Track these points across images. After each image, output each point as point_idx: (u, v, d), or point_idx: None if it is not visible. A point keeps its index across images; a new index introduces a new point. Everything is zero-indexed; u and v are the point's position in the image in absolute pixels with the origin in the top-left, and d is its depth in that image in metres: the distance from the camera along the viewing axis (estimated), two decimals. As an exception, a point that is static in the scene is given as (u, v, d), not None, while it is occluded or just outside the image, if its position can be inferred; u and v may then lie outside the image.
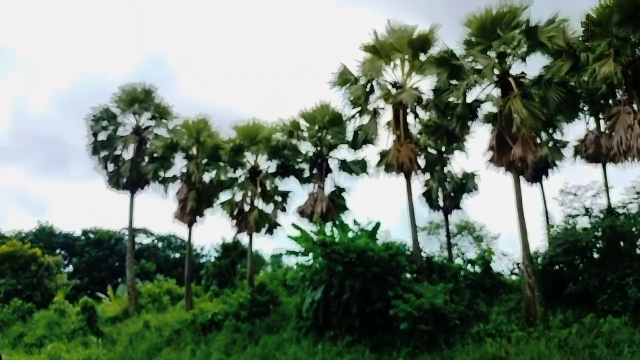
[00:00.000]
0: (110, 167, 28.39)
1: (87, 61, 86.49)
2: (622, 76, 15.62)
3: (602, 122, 21.58)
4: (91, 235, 50.95)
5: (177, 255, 54.53)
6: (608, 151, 16.58)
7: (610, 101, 18.26)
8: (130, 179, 27.98)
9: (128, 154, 28.51)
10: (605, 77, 15.46)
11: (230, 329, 21.90)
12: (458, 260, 23.33)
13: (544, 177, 25.60)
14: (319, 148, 25.52)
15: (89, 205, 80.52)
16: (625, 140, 15.49)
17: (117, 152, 28.49)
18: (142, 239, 53.63)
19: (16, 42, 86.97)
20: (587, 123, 23.33)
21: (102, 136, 28.52)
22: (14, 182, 79.29)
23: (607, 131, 17.08)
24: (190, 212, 26.03)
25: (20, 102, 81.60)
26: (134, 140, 28.41)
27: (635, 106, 16.10)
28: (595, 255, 17.53)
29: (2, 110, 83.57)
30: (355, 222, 20.40)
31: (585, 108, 20.66)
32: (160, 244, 55.51)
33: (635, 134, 15.33)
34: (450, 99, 19.41)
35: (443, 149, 25.15)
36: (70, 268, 49.51)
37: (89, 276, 46.03)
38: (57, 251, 48.32)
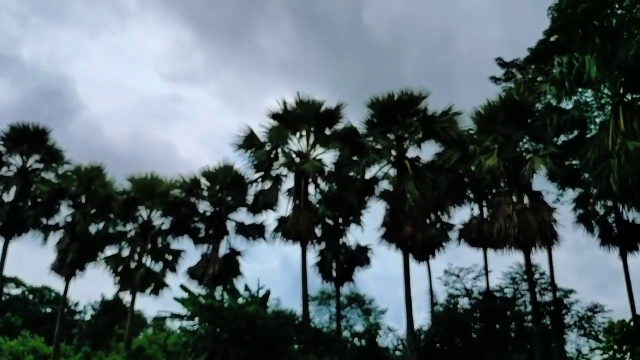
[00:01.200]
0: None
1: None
2: (504, 170, 17.17)
3: (485, 209, 23.28)
4: (-50, 282, 45.64)
5: (49, 310, 49.98)
6: (489, 237, 17.84)
7: (494, 190, 19.90)
8: (7, 223, 25.73)
9: (9, 196, 26.36)
10: (489, 169, 16.90)
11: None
12: (346, 333, 23.46)
13: (430, 256, 26.82)
14: (217, 208, 25.14)
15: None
16: (505, 229, 16.80)
17: (-2, 194, 26.26)
18: (11, 290, 48.77)
19: None
20: (472, 209, 25.04)
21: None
22: None
23: (489, 218, 18.46)
24: (69, 265, 24.16)
25: None
26: (18, 182, 26.39)
27: (514, 198, 17.64)
28: (474, 335, 18.42)
29: None
30: (246, 288, 19.99)
31: (471, 195, 22.28)
32: (31, 297, 50.72)
33: (513, 223, 16.69)
34: (351, 174, 20.18)
35: (340, 220, 25.75)
36: None
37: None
38: None
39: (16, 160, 27.15)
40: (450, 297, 19.48)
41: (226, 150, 71.15)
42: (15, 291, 49.50)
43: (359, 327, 26.63)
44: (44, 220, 25.68)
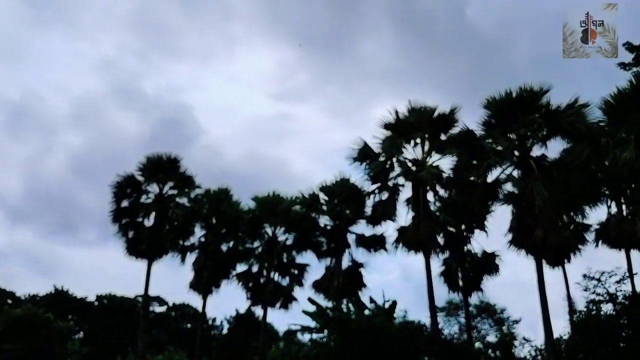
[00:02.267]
0: (131, 233, 28.57)
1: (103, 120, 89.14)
2: (644, 162, 15.65)
3: (624, 206, 21.34)
4: (105, 301, 50.64)
5: (189, 325, 53.66)
6: (631, 236, 16.33)
7: (633, 185, 18.20)
8: (149, 246, 28.06)
9: (149, 221, 28.77)
10: (626, 162, 15.50)
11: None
12: (478, 344, 22.56)
13: (565, 260, 25.04)
14: (337, 222, 25.53)
15: (101, 270, 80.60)
16: (650, 226, 15.29)
17: (139, 219, 28.76)
18: (156, 308, 53.09)
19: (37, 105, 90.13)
20: (609, 207, 23.09)
21: (124, 203, 28.90)
22: (24, 243, 79.96)
23: (629, 216, 16.91)
24: (206, 282, 25.87)
25: (33, 161, 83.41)
26: (156, 209, 28.74)
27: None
28: (621, 344, 16.87)
29: (16, 171, 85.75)
30: (371, 300, 20.03)
31: (607, 192, 20.55)
32: (173, 314, 54.81)
33: (660, 220, 15.15)
34: (471, 178, 19.52)
35: (463, 227, 24.96)
36: (82, 334, 48.88)
37: (100, 343, 45.32)
38: (70, 316, 47.93)
39: (153, 188, 29.58)
40: (592, 303, 18.02)
41: (338, 164, 72.37)
42: (160, 309, 53.82)
43: (492, 338, 25.48)
44: (180, 242, 27.72)
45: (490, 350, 20.23)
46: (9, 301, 50.11)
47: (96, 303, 50.91)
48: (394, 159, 22.76)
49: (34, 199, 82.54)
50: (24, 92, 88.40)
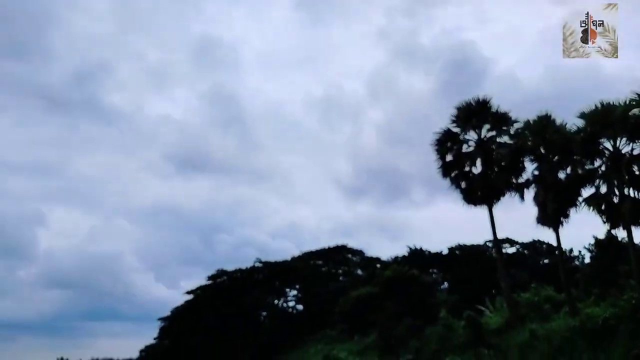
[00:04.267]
0: (463, 184, 29.43)
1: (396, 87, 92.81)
2: None
3: None
4: (457, 252, 53.32)
5: (546, 261, 52.35)
6: None
7: None
8: (484, 192, 28.44)
9: (477, 168, 29.15)
10: None
11: (627, 334, 19.66)
12: None
13: None
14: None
15: (439, 225, 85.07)
16: None
17: (466, 169, 29.41)
18: (507, 249, 53.43)
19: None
20: None
21: (449, 157, 29.90)
22: (366, 215, 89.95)
23: None
24: (552, 214, 24.84)
25: (351, 144, 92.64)
26: (480, 154, 28.92)
27: None
28: None
29: (341, 155, 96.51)
30: None
31: None
32: (526, 252, 54.30)
33: None
34: None
35: None
36: (445, 285, 52.61)
37: (463, 291, 47.92)
38: (430, 270, 52.06)
39: (471, 135, 29.83)
40: None
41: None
42: (511, 250, 54.05)
43: None
44: (513, 180, 27.31)
45: None
46: (378, 265, 57.38)
47: (449, 255, 53.99)
48: None
49: (363, 175, 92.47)
50: (325, 86, 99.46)
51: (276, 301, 68.91)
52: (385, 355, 29.35)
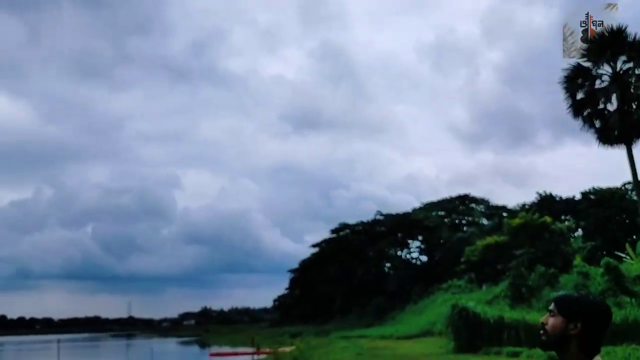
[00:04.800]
0: (597, 123, 27.28)
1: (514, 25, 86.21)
2: None
3: None
4: (591, 197, 49.96)
5: None
6: None
7: None
8: (621, 131, 26.16)
9: (612, 105, 26.80)
10: None
11: None
12: None
13: None
14: None
15: (571, 169, 79.60)
16: None
17: (600, 106, 27.17)
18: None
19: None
20: None
21: (579, 95, 27.75)
22: (487, 162, 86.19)
23: None
24: None
25: (468, 89, 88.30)
26: (615, 89, 26.51)
27: None
28: None
29: (456, 102, 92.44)
30: None
31: None
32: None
33: None
34: None
35: None
36: (579, 232, 49.73)
37: (599, 237, 45.07)
38: (562, 217, 49.38)
39: (605, 69, 27.34)
40: None
41: None
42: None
43: None
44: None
45: None
46: (504, 214, 55.56)
47: (583, 200, 50.74)
48: None
49: (482, 120, 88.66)
50: (437, 31, 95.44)
51: (399, 252, 69.67)
52: (517, 304, 28.70)
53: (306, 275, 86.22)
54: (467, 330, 20.32)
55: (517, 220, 34.73)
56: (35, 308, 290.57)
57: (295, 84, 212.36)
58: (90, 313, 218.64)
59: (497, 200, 76.04)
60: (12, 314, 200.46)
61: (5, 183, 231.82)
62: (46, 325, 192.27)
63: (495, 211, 61.80)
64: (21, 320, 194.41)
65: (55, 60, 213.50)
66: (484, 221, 60.65)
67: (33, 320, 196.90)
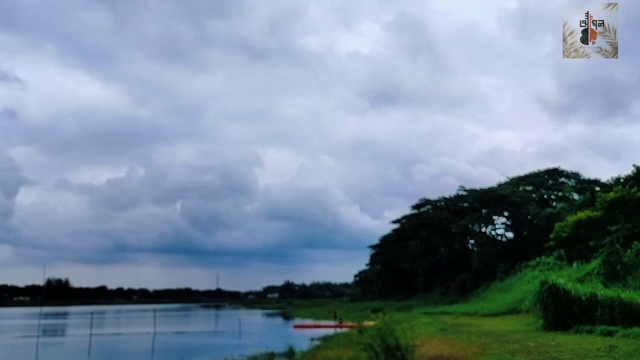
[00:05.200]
0: None
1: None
2: None
3: None
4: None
5: None
6: None
7: None
8: None
9: None
10: None
11: None
12: None
13: None
14: None
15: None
16: None
17: None
18: None
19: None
20: None
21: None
22: (578, 134, 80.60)
23: None
24: None
25: (558, 53, 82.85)
26: None
27: None
28: None
29: (547, 71, 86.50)
30: None
31: None
32: None
33: None
34: None
35: None
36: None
37: None
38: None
39: None
40: None
41: None
42: None
43: None
44: None
45: None
46: (597, 188, 52.54)
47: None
48: None
49: (572, 91, 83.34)
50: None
51: (484, 229, 67.85)
52: (611, 282, 27.22)
53: (387, 251, 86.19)
54: (557, 307, 19.52)
55: (612, 195, 32.69)
56: (132, 279, 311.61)
57: (372, 58, 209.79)
58: (181, 284, 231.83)
59: (588, 174, 71.65)
60: (112, 284, 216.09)
61: (101, 163, 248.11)
62: (143, 296, 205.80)
63: (587, 185, 58.50)
64: (120, 290, 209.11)
65: (142, 45, 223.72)
66: (575, 196, 57.61)
67: (130, 291, 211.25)
